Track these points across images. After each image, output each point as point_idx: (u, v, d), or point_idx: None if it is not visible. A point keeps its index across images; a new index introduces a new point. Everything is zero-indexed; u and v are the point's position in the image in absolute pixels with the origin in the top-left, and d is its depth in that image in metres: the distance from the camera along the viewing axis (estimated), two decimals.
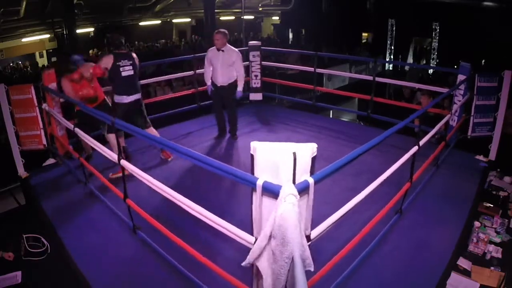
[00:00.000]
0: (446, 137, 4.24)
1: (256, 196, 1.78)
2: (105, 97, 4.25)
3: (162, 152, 4.53)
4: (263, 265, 1.74)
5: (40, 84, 4.22)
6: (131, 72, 4.00)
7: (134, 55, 4.09)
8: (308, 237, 1.91)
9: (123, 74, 3.94)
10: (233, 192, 3.79)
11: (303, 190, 1.70)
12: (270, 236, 1.61)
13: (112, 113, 3.52)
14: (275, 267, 1.54)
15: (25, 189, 4.12)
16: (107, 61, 3.87)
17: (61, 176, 4.28)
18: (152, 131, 4.31)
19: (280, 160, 1.70)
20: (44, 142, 4.39)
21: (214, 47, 4.73)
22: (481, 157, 4.46)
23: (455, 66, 6.30)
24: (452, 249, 2.98)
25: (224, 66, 4.72)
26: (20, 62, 13.52)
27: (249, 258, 1.71)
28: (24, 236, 3.19)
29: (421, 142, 3.18)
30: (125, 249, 3.05)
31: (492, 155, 4.37)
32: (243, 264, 1.80)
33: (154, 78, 6.15)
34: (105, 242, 3.14)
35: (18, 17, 12.16)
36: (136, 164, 2.84)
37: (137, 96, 4.12)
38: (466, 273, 2.84)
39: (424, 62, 15.71)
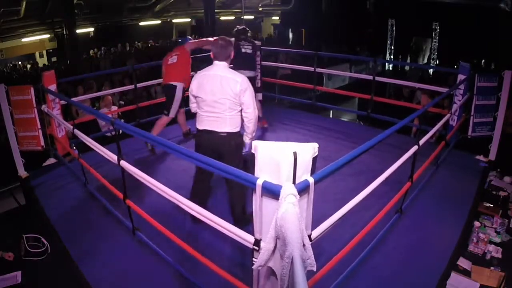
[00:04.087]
0: (446, 137, 4.24)
1: (256, 196, 1.77)
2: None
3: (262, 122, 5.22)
4: (276, 266, 1.75)
5: (40, 85, 4.22)
6: (249, 51, 4.78)
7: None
8: (309, 237, 1.91)
9: (242, 50, 4.70)
10: None
11: (303, 189, 1.69)
12: (276, 238, 1.61)
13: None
14: (280, 267, 1.54)
15: (25, 189, 4.11)
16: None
17: (61, 176, 4.28)
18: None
19: (281, 160, 1.69)
20: (42, 143, 4.37)
21: None
22: (481, 157, 4.45)
23: (455, 66, 6.29)
24: (452, 249, 2.97)
25: None
26: (20, 62, 13.52)
27: (259, 261, 1.70)
28: (24, 236, 3.19)
29: (421, 142, 3.18)
30: (124, 250, 3.05)
31: (492, 155, 4.36)
32: (254, 267, 1.79)
33: (155, 80, 6.19)
34: (105, 242, 3.14)
35: (18, 17, 12.18)
36: (135, 165, 2.83)
37: (251, 73, 4.72)
38: (466, 273, 2.84)
39: (423, 61, 15.72)
